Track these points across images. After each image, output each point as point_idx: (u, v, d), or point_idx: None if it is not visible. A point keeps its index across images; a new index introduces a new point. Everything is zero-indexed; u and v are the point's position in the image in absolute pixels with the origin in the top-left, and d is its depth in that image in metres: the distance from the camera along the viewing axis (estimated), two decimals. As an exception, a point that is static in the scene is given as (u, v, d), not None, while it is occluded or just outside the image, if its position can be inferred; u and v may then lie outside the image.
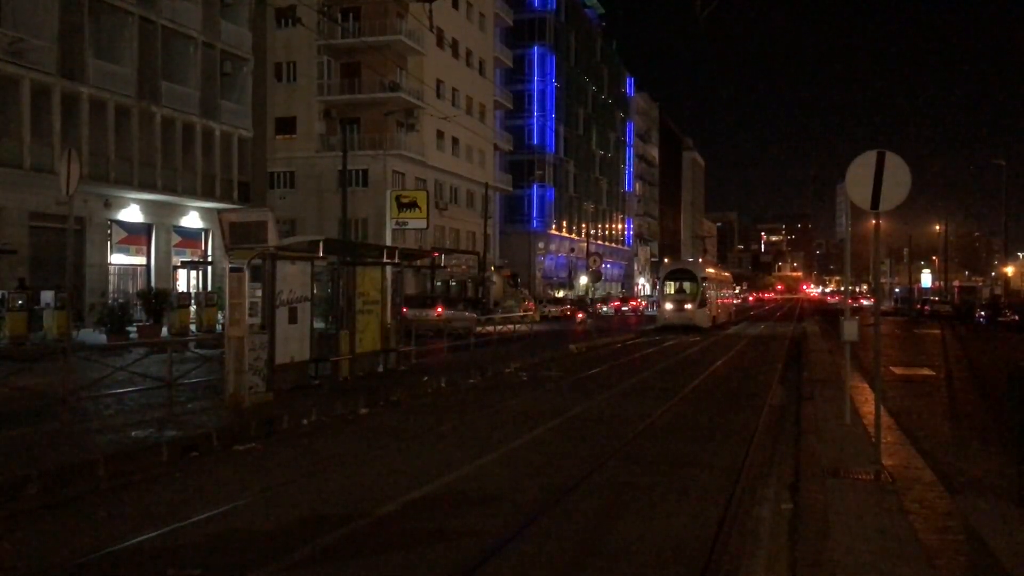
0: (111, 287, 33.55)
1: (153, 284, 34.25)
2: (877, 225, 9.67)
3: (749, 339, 34.95)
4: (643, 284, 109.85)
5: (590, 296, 65.23)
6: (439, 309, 35.07)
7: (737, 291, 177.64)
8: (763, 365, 23.07)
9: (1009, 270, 76.02)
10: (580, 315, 50.31)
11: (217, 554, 6.39)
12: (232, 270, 12.88)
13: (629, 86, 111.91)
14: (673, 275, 42.17)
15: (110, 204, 33.68)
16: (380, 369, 17.44)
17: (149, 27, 34.61)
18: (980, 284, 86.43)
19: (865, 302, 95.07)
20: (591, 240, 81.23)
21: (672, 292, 40.76)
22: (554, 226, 77.78)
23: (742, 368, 22.08)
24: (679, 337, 34.49)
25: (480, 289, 52.75)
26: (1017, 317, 44.89)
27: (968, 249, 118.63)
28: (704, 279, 40.62)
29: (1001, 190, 64.16)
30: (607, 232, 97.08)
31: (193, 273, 37.21)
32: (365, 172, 50.00)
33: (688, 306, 39.56)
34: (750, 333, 40.21)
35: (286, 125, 51.15)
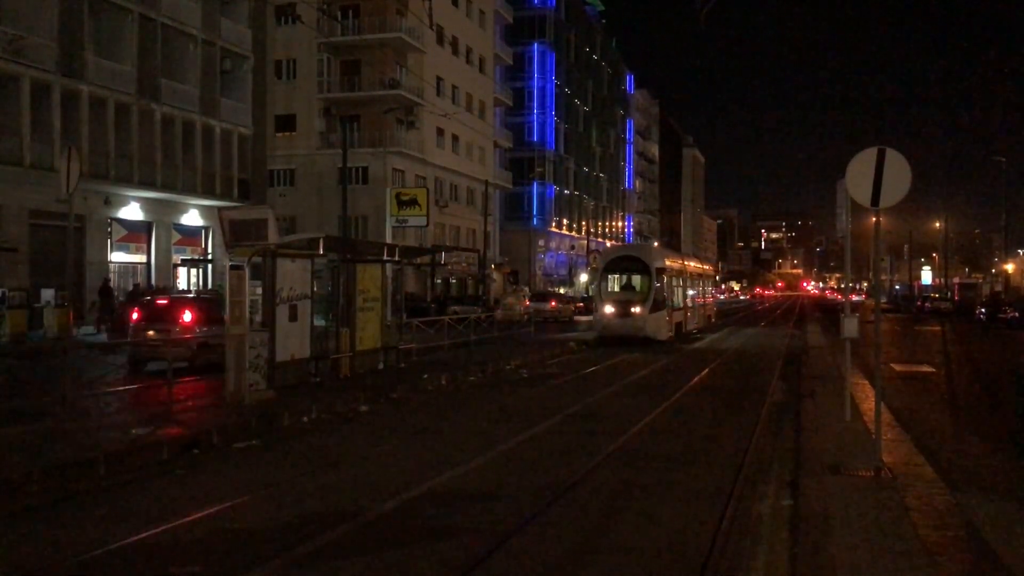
0: (111, 285, 33.53)
1: (153, 282, 34.27)
2: (877, 222, 9.66)
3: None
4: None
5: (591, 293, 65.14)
6: (553, 303, 45.55)
7: (738, 288, 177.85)
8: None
9: (1009, 267, 75.98)
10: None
11: (218, 551, 6.39)
12: (232, 268, 12.90)
13: (629, 83, 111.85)
14: (615, 265, 29.74)
15: (110, 202, 33.67)
16: (380, 366, 17.44)
17: (149, 24, 34.58)
18: (980, 281, 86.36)
19: (856, 298, 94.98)
20: (591, 237, 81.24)
21: (615, 289, 29.07)
22: (554, 223, 77.76)
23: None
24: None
25: (480, 287, 52.75)
26: (1017, 314, 44.85)
27: (968, 246, 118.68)
28: (661, 271, 28.42)
29: (1001, 187, 64.15)
30: (607, 229, 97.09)
31: (193, 271, 37.21)
32: (365, 170, 49.98)
33: (636, 309, 27.38)
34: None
35: (286, 123, 51.13)
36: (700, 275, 37.60)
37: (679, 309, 31.09)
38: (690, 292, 33.75)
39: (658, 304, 27.88)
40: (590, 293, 62.05)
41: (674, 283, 30.56)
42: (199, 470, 9.10)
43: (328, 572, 5.94)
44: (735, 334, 36.56)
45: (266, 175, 46.21)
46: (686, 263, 34.43)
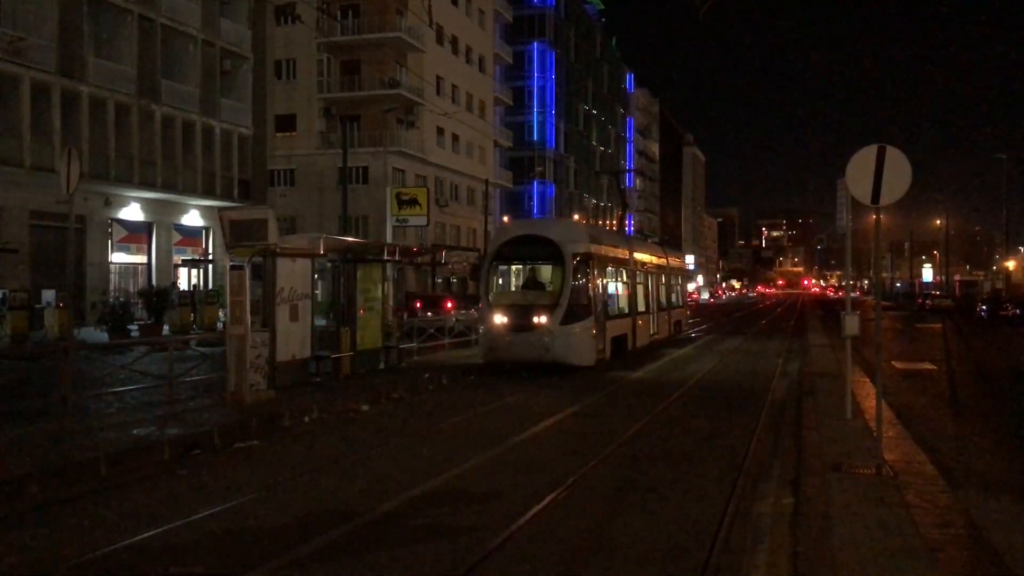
0: (112, 286, 33.59)
1: (154, 282, 34.31)
2: (878, 220, 9.66)
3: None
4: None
5: None
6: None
7: (739, 285, 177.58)
8: None
9: (1010, 264, 75.89)
10: None
11: (219, 551, 6.39)
12: (233, 268, 12.88)
13: (629, 82, 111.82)
14: (512, 249, 19.59)
15: (110, 202, 33.71)
16: (382, 366, 17.44)
17: (148, 25, 34.62)
18: (981, 278, 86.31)
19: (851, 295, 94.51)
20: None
21: (510, 288, 20.13)
22: (555, 222, 77.71)
23: None
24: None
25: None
26: (1018, 311, 44.87)
27: (969, 243, 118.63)
28: (584, 260, 18.58)
29: (1002, 184, 64.10)
30: (608, 228, 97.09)
31: (194, 271, 37.24)
32: (365, 169, 50.01)
33: (541, 319, 17.82)
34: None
35: (286, 123, 51.16)
36: (661, 269, 26.99)
37: (620, 317, 21.33)
38: (643, 292, 24.04)
39: (578, 310, 18.08)
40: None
41: (611, 278, 20.94)
42: (200, 470, 9.10)
43: (330, 572, 5.94)
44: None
45: (266, 175, 46.26)
46: (635, 251, 24.01)
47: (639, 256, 24.33)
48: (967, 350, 27.46)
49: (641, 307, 23.67)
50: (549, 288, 18.95)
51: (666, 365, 21.28)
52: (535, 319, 17.89)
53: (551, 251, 18.63)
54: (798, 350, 24.78)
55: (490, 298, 18.91)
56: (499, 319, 18.17)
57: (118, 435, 9.90)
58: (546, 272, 19.38)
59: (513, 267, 20.23)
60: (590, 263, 18.83)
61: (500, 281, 19.91)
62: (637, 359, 21.73)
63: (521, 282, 19.98)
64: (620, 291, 21.87)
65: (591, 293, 18.73)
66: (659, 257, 27.68)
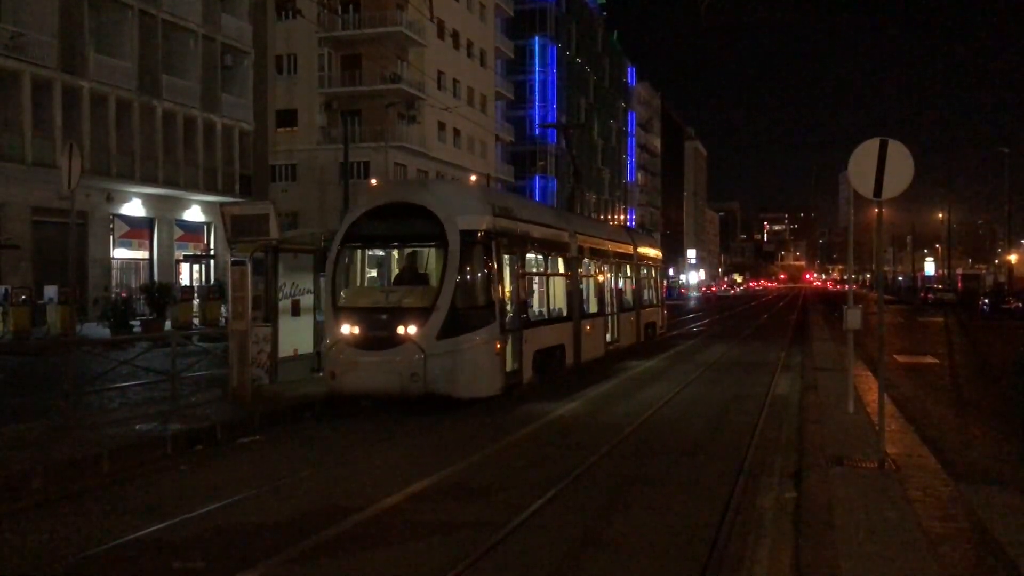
0: (114, 281, 33.62)
1: (156, 278, 34.34)
2: (880, 213, 9.64)
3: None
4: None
5: None
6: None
7: (740, 280, 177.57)
8: None
9: (1013, 258, 75.68)
10: None
11: (221, 547, 6.40)
12: (234, 263, 12.87)
13: (631, 76, 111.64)
14: (372, 224, 13.09)
15: (112, 198, 33.71)
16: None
17: (149, 21, 34.59)
18: (983, 272, 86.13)
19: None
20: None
21: (368, 284, 13.98)
22: (556, 217, 77.47)
23: None
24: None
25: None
26: (1021, 305, 44.81)
27: (971, 236, 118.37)
28: (483, 240, 12.67)
29: (1005, 178, 63.93)
30: (610, 223, 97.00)
31: (196, 267, 37.28)
32: (367, 164, 49.98)
33: (408, 329, 11.87)
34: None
35: (287, 118, 51.13)
36: (623, 258, 21.52)
37: (553, 322, 15.76)
38: (594, 288, 18.68)
39: (469, 315, 12.36)
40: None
41: (537, 268, 15.45)
42: (203, 465, 9.12)
43: (332, 567, 5.96)
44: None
45: (268, 170, 46.24)
46: (580, 232, 18.06)
47: (588, 240, 18.41)
48: (969, 344, 27.44)
49: (592, 308, 18.19)
50: (430, 279, 13.06)
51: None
52: (399, 330, 11.97)
53: (430, 227, 12.54)
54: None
55: (337, 298, 12.84)
56: (346, 330, 12.28)
57: (121, 430, 9.91)
58: (424, 259, 13.63)
59: (378, 252, 14.16)
60: (494, 245, 12.90)
61: (367, 273, 14.12)
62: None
63: (393, 274, 14.02)
64: (554, 287, 16.24)
65: (495, 289, 12.79)
66: (622, 243, 21.91)
